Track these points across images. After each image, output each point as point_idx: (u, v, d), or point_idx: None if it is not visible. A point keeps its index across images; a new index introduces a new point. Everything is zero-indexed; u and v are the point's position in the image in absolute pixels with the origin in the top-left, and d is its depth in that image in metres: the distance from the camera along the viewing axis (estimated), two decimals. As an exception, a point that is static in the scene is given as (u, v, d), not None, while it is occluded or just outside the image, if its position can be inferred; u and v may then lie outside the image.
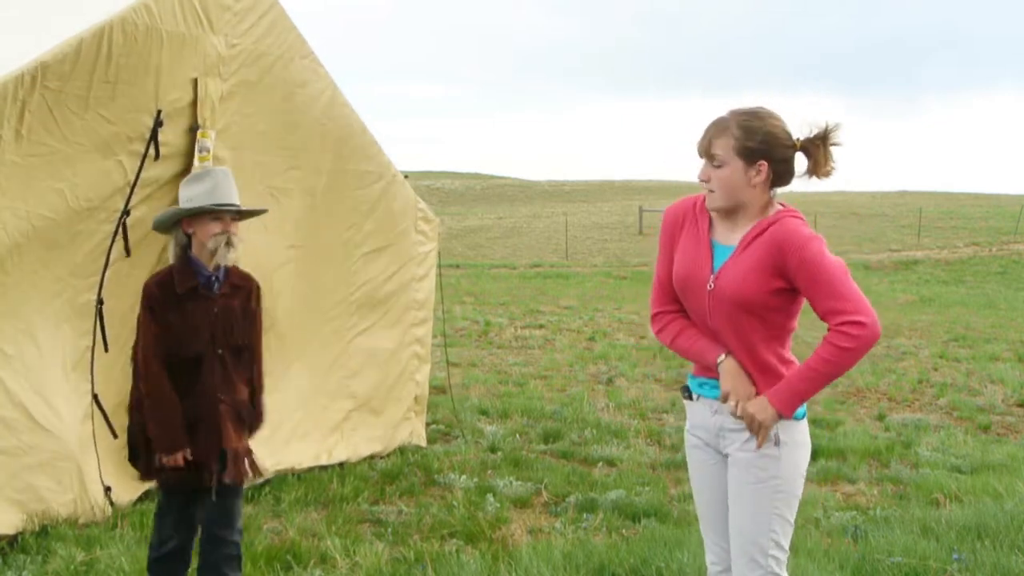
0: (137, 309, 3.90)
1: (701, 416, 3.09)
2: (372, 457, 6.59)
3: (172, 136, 5.10)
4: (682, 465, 6.69)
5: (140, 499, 5.30)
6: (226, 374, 3.93)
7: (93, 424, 5.10)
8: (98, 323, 5.10)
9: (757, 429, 2.90)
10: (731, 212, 2.96)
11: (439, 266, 7.25)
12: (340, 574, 4.51)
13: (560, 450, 7.21)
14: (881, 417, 9.10)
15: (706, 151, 2.94)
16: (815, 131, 2.91)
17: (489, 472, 6.42)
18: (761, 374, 2.93)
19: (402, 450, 6.85)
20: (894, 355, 13.17)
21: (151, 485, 5.36)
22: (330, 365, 6.39)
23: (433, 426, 7.68)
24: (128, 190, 5.01)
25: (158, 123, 5.00)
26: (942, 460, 7.22)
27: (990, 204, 52.85)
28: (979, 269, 31.57)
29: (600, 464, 6.81)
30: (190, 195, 3.94)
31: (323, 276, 6.29)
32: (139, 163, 5.00)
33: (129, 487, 5.28)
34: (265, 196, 5.47)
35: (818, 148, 2.91)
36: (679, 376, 11.01)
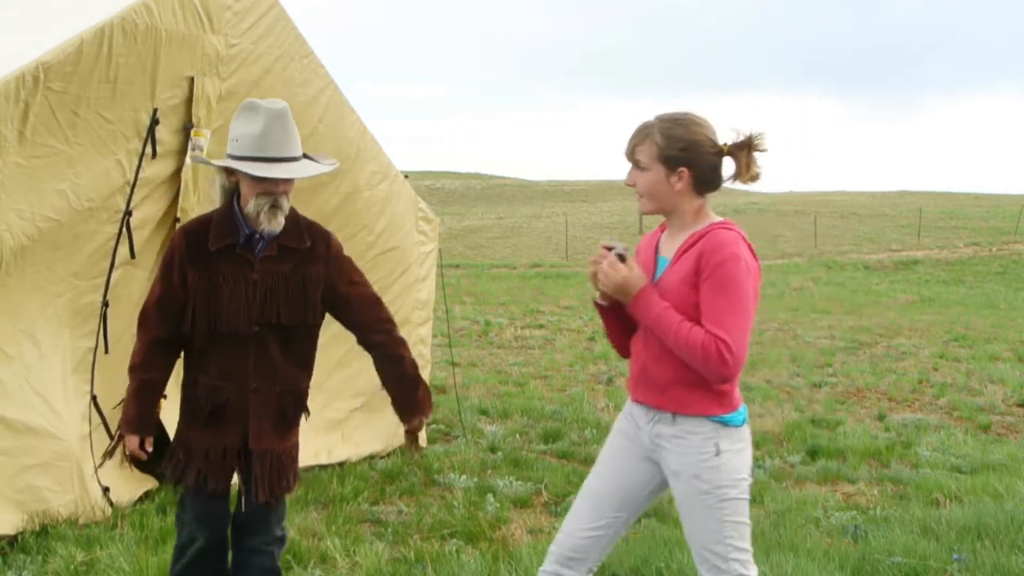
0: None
1: (639, 415, 3.02)
2: (372, 456, 6.58)
3: (165, 134, 5.09)
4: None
5: (140, 499, 5.30)
6: (265, 358, 3.18)
7: (90, 425, 5.09)
8: (101, 324, 5.09)
9: (600, 274, 2.87)
10: (668, 219, 2.97)
11: (439, 266, 7.25)
12: (340, 574, 4.50)
13: (560, 450, 7.21)
14: (881, 417, 9.09)
15: (630, 156, 2.94)
16: (741, 137, 2.88)
17: (489, 472, 6.41)
18: (690, 392, 2.85)
19: (402, 450, 6.84)
20: (894, 355, 13.17)
21: (151, 486, 5.38)
22: (335, 364, 6.38)
23: (433, 426, 7.68)
24: (128, 189, 5.01)
25: (155, 121, 5.01)
26: (942, 460, 7.21)
27: (990, 204, 52.85)
28: (979, 269, 31.56)
29: (600, 464, 6.80)
30: (237, 134, 3.16)
31: None
32: (137, 161, 5.00)
33: (129, 487, 5.28)
34: None
35: (743, 154, 2.88)
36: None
